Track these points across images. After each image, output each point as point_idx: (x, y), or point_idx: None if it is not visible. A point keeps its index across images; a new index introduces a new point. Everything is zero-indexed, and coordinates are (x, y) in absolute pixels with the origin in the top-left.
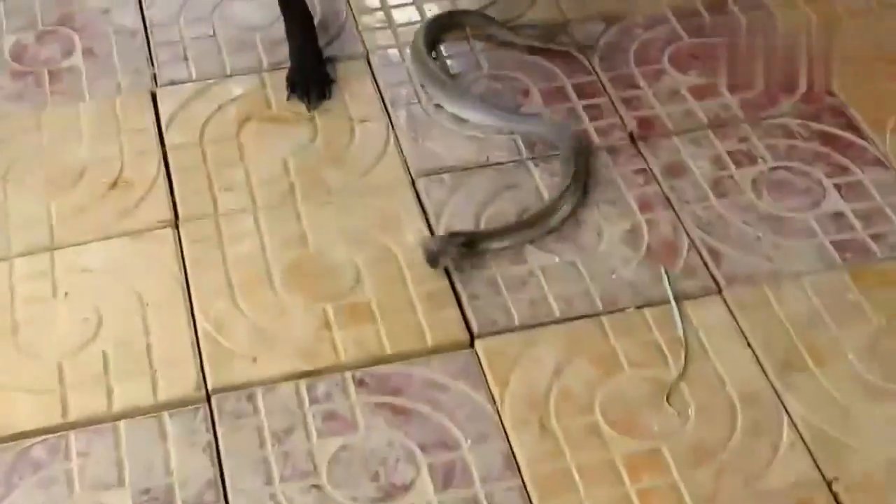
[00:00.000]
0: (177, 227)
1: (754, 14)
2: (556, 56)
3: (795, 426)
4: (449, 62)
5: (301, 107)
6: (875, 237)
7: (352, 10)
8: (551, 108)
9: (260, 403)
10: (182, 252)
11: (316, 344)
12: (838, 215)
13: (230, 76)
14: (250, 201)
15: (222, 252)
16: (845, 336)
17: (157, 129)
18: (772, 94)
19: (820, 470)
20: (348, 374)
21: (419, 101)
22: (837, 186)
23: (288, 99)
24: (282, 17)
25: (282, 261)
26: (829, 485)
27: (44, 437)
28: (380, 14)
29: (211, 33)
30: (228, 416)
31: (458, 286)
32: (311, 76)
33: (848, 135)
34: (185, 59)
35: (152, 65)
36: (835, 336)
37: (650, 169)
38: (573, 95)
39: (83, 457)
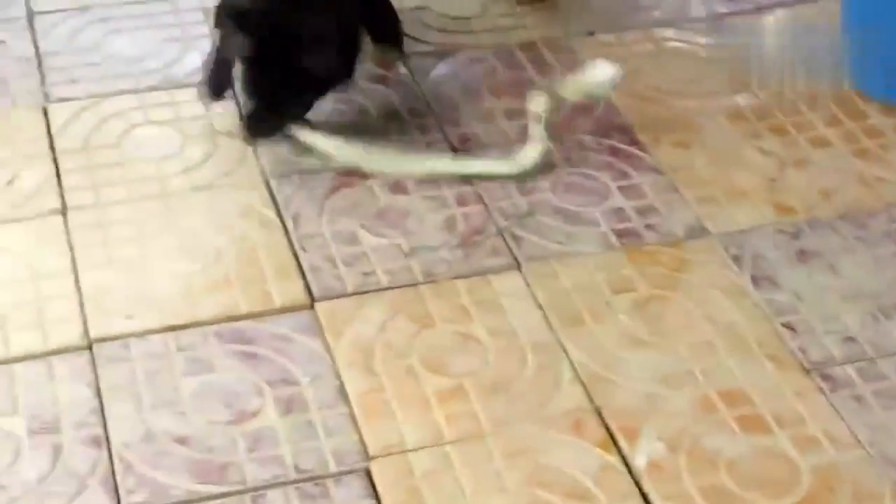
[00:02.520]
0: (64, 215)
1: (561, 55)
2: (393, 84)
3: (574, 367)
4: None
5: (174, 122)
6: (648, 227)
7: None
8: (388, 127)
9: (133, 351)
10: (68, 234)
11: (182, 306)
12: (619, 210)
13: (112, 95)
14: (127, 195)
15: (103, 233)
16: (618, 301)
17: (48, 137)
18: (571, 116)
19: (591, 400)
20: (209, 328)
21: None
22: (620, 188)
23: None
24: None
25: (153, 239)
26: (598, 411)
27: None
28: None
29: (98, 62)
30: (105, 360)
31: (303, 262)
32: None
33: (631, 149)
34: (73, 81)
35: (43, 84)
36: (609, 301)
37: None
38: (405, 115)
39: None
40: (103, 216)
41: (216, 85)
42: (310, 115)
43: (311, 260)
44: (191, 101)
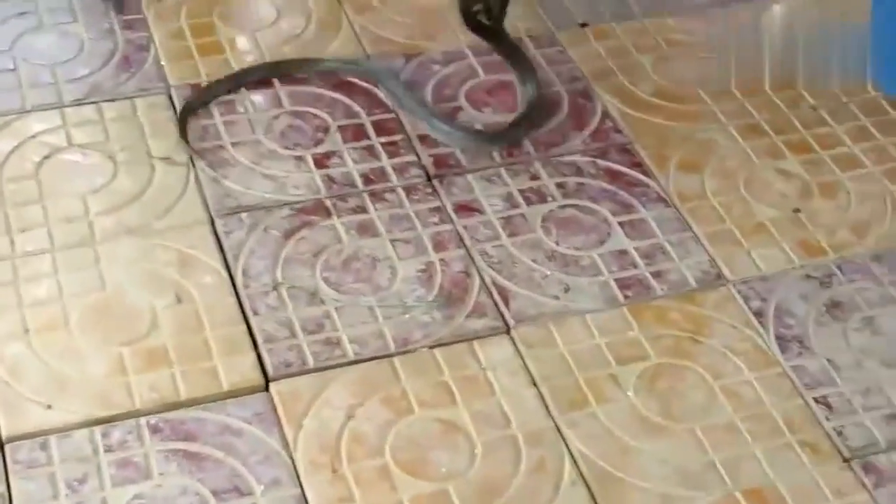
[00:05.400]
0: None
1: (548, 52)
2: (357, 92)
3: (576, 464)
4: (253, 98)
5: (102, 143)
6: (655, 275)
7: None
8: (350, 146)
9: (54, 452)
10: None
11: (111, 389)
12: (622, 253)
13: (30, 112)
14: (48, 242)
15: (18, 295)
16: (624, 373)
17: None
18: (563, 131)
19: None
20: (143, 420)
21: (221, 139)
22: (622, 224)
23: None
24: (80, 53)
25: (79, 304)
26: None
27: None
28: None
29: (11, 67)
30: (21, 466)
31: (255, 328)
32: None
33: (633, 172)
34: None
35: None
36: (615, 373)
37: (444, 207)
38: (372, 133)
39: None
40: (19, 270)
41: None
42: None
43: (264, 325)
44: (123, 118)
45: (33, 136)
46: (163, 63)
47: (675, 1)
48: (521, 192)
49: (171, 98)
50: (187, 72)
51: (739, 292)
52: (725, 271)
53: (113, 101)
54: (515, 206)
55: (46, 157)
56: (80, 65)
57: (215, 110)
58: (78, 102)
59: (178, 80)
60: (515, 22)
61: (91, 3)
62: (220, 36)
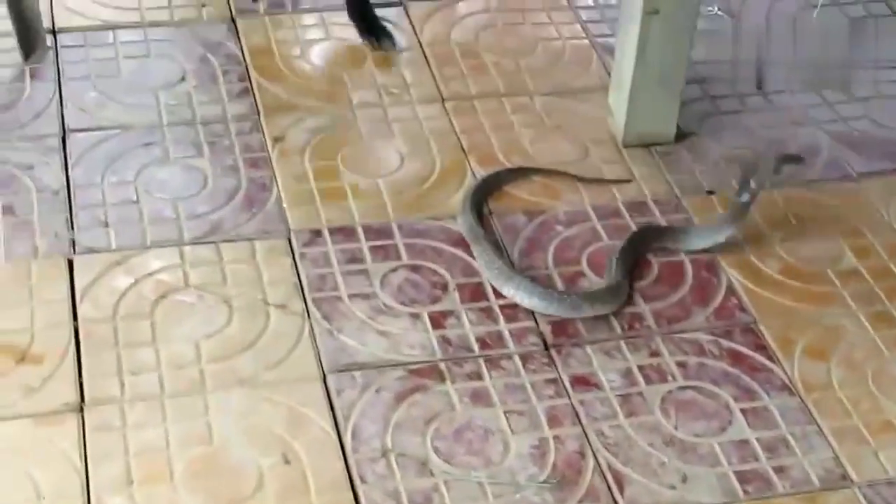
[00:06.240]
0: (81, 410)
1: (673, 218)
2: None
3: None
4: (372, 246)
5: (218, 286)
6: (777, 469)
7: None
8: (468, 306)
9: None
10: (84, 440)
11: None
12: (743, 443)
13: (149, 248)
14: (158, 387)
15: (125, 442)
16: None
17: (70, 301)
18: (685, 305)
19: None
20: None
21: (338, 290)
22: (744, 411)
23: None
24: (202, 189)
25: (185, 456)
26: None
27: None
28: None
29: (134, 199)
30: None
31: (361, 498)
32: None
33: (757, 356)
34: (106, 225)
35: (72, 229)
36: None
37: (561, 380)
38: (490, 293)
39: None
40: (126, 416)
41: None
42: None
43: (371, 494)
44: (242, 261)
45: (150, 274)
46: (284, 206)
47: (804, 173)
48: (641, 368)
49: (290, 243)
50: (308, 217)
51: (864, 496)
52: (850, 472)
53: (233, 241)
54: (634, 383)
55: (162, 297)
56: (202, 201)
57: (334, 258)
58: (197, 241)
59: (299, 225)
60: (641, 184)
61: (217, 137)
62: (342, 180)
